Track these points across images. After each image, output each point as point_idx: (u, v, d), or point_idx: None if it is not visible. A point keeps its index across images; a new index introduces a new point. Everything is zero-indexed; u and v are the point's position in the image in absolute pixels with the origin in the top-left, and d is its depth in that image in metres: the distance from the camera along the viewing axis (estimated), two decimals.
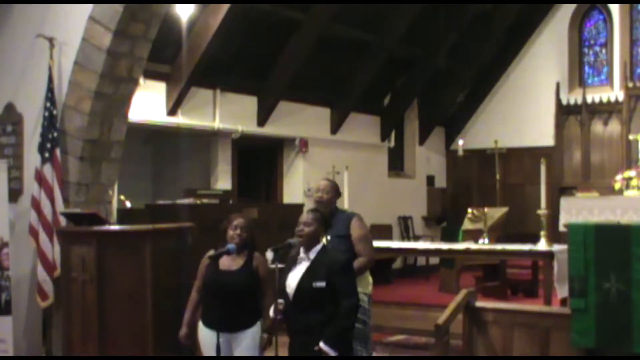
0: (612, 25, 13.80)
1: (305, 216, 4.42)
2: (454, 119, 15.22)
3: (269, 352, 4.65)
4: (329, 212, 5.03)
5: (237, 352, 4.67)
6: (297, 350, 4.30)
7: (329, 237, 4.90)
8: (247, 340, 4.65)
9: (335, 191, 5.26)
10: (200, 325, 4.78)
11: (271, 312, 4.39)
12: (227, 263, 4.76)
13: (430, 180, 14.94)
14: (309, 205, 10.49)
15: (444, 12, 12.77)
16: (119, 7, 6.24)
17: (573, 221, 9.13)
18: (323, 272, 4.21)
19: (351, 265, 4.44)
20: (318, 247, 4.36)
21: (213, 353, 4.57)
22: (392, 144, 13.93)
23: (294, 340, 4.33)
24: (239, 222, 4.78)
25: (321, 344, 4.09)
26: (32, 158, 6.54)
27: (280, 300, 4.34)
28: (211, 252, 4.73)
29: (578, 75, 14.15)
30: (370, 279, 5.31)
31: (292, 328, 4.34)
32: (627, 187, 11.76)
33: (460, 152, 14.06)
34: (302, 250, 4.38)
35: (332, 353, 4.10)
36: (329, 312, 4.16)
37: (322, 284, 4.17)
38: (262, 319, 4.67)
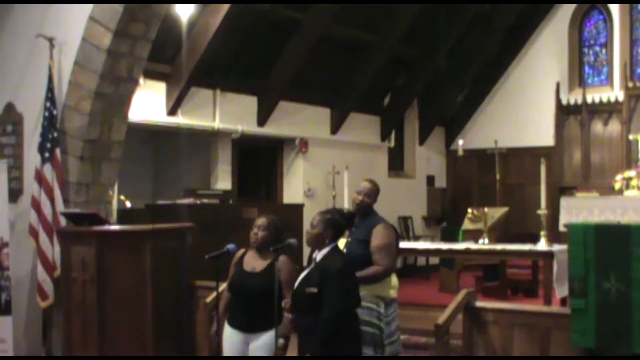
0: (612, 25, 13.79)
1: (313, 217, 4.38)
2: (454, 119, 15.21)
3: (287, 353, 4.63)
4: (361, 214, 4.96)
5: (251, 352, 4.67)
6: (299, 350, 4.30)
7: (349, 239, 4.86)
8: (263, 342, 4.63)
9: (376, 194, 5.11)
10: (225, 323, 4.80)
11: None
12: (252, 264, 4.77)
13: (430, 180, 14.94)
14: (309, 205, 10.55)
15: (444, 12, 12.76)
16: (119, 7, 6.25)
17: (573, 221, 9.13)
18: (317, 278, 4.15)
19: (344, 273, 4.22)
20: (325, 250, 4.29)
21: (232, 352, 4.59)
22: (392, 144, 13.93)
23: (298, 340, 4.33)
24: (258, 222, 4.80)
25: (309, 355, 4.07)
26: (32, 158, 6.55)
27: (287, 300, 4.34)
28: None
29: (578, 75, 14.14)
30: (393, 283, 5.14)
31: (296, 328, 4.34)
32: (627, 187, 11.74)
33: (460, 152, 14.05)
34: (316, 252, 4.35)
35: None
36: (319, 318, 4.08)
37: (314, 289, 4.11)
38: (281, 323, 4.59)
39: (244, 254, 4.90)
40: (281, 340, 4.53)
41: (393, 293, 5.14)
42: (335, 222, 4.35)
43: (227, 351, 4.75)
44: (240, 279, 4.73)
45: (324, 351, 4.02)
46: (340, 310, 4.09)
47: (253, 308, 4.63)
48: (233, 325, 4.72)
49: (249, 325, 4.65)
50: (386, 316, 5.00)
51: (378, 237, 4.92)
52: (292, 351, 4.51)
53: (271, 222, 4.82)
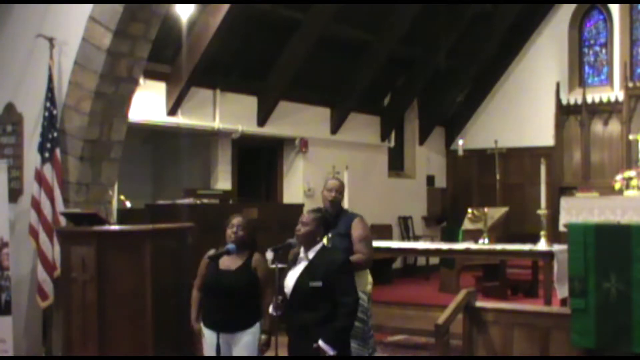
0: (612, 25, 13.80)
1: (304, 216, 4.44)
2: (454, 119, 15.22)
3: (269, 353, 4.65)
4: (335, 212, 5.17)
5: (236, 352, 4.67)
6: (294, 349, 4.31)
7: (329, 235, 4.92)
8: (245, 341, 4.64)
9: (343, 190, 5.44)
10: (201, 326, 4.79)
11: (271, 309, 4.39)
12: (227, 263, 4.76)
13: (430, 180, 14.94)
14: (309, 205, 10.51)
15: (444, 12, 12.77)
16: (119, 7, 6.24)
17: (573, 221, 9.13)
18: (320, 272, 4.22)
19: (348, 264, 4.47)
20: (317, 247, 4.37)
21: (213, 353, 4.58)
22: (392, 144, 13.93)
23: (292, 339, 4.34)
24: (236, 221, 4.79)
25: (320, 343, 4.10)
26: (32, 158, 6.54)
27: (280, 297, 4.35)
28: (211, 252, 4.74)
29: (578, 75, 14.15)
30: (369, 279, 5.35)
31: (289, 327, 4.35)
32: (627, 187, 11.75)
33: (460, 152, 14.06)
34: (302, 250, 4.39)
35: (330, 352, 4.12)
36: (324, 312, 4.17)
37: (319, 283, 4.18)
38: (262, 319, 4.66)
39: None
40: (264, 336, 4.63)
41: (370, 288, 5.36)
42: (325, 220, 4.50)
43: (208, 353, 4.73)
44: (215, 278, 4.69)
45: (338, 339, 4.17)
46: (357, 300, 4.32)
47: (230, 307, 4.62)
48: (210, 326, 4.67)
49: (228, 325, 4.62)
50: (367, 310, 5.18)
51: (358, 229, 5.20)
52: (277, 348, 4.50)
53: (249, 221, 4.86)
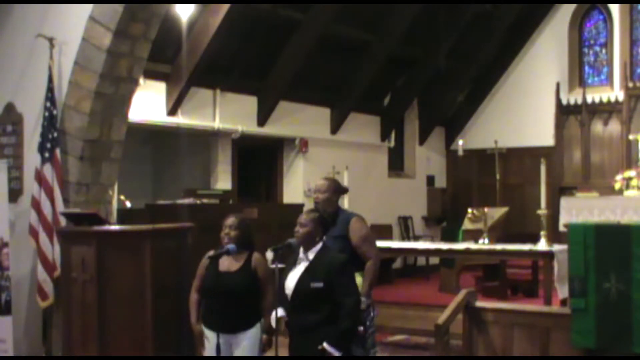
0: (612, 25, 13.80)
1: (301, 217, 4.43)
2: (454, 119, 15.22)
3: (269, 353, 4.65)
4: (330, 212, 4.93)
5: (237, 353, 4.67)
6: (296, 350, 4.31)
7: (324, 238, 4.88)
8: (247, 342, 4.65)
9: (333, 189, 5.08)
10: (202, 327, 4.79)
11: (272, 321, 4.40)
12: (227, 264, 4.75)
13: (430, 180, 14.94)
14: (309, 205, 10.51)
15: (444, 12, 12.76)
16: (119, 7, 6.25)
17: (573, 221, 9.13)
18: (321, 273, 4.22)
19: (349, 265, 4.43)
20: (317, 247, 4.37)
21: (213, 353, 4.59)
22: (392, 144, 13.93)
23: (293, 340, 4.34)
24: (228, 222, 4.77)
25: (325, 345, 4.10)
26: (32, 158, 6.54)
27: (282, 314, 4.34)
28: (211, 253, 4.73)
29: (578, 75, 14.15)
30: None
31: (291, 329, 4.35)
32: (627, 187, 11.75)
33: (460, 152, 14.05)
34: (301, 250, 4.39)
35: (336, 353, 4.12)
36: (326, 313, 4.17)
37: (320, 284, 4.18)
38: (262, 319, 4.66)
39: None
40: (265, 336, 4.63)
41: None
42: (323, 219, 4.48)
43: (208, 353, 4.73)
44: (215, 279, 4.67)
45: (343, 340, 4.17)
46: (358, 300, 4.32)
47: (231, 308, 4.62)
48: (211, 327, 4.66)
49: (229, 326, 4.62)
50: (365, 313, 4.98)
51: (356, 229, 4.96)
52: (277, 348, 4.51)
53: (241, 220, 4.81)
